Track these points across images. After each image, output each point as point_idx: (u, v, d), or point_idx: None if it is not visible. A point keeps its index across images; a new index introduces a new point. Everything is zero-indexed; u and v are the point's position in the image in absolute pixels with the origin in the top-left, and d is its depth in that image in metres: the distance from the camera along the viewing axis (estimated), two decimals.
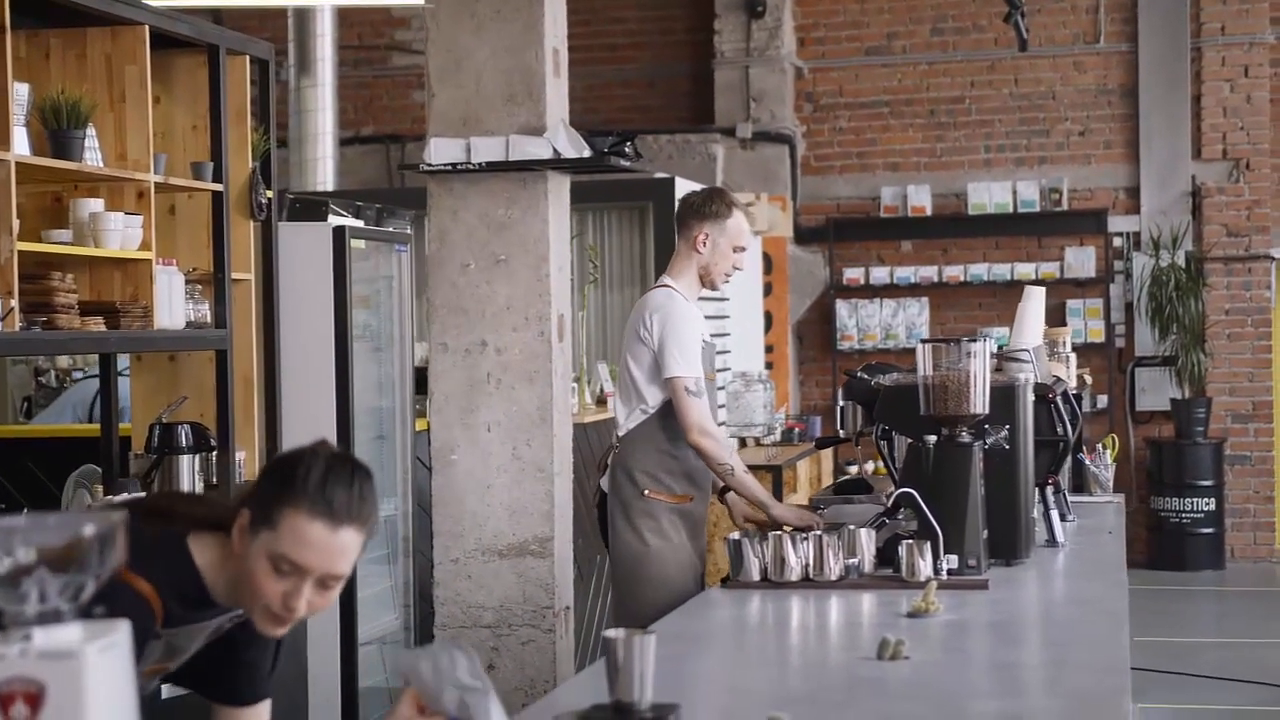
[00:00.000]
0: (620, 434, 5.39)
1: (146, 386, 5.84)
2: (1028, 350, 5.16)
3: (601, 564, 7.75)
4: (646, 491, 5.26)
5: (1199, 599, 11.67)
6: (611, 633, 2.75)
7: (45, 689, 1.71)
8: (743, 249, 5.40)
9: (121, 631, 1.78)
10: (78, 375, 8.58)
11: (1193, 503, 12.32)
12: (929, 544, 4.21)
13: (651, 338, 5.20)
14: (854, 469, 12.24)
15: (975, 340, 4.42)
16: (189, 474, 5.48)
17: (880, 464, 12.23)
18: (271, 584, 2.59)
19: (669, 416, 5.22)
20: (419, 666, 2.50)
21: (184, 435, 5.49)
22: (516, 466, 5.87)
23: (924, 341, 4.46)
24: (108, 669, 1.75)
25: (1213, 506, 12.34)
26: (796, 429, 11.22)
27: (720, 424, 9.90)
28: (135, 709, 1.81)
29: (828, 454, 11.48)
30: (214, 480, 5.67)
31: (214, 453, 5.64)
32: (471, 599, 5.72)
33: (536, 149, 5.81)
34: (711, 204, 5.38)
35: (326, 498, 2.57)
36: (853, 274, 13.02)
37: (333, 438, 6.35)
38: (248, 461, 5.93)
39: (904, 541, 4.24)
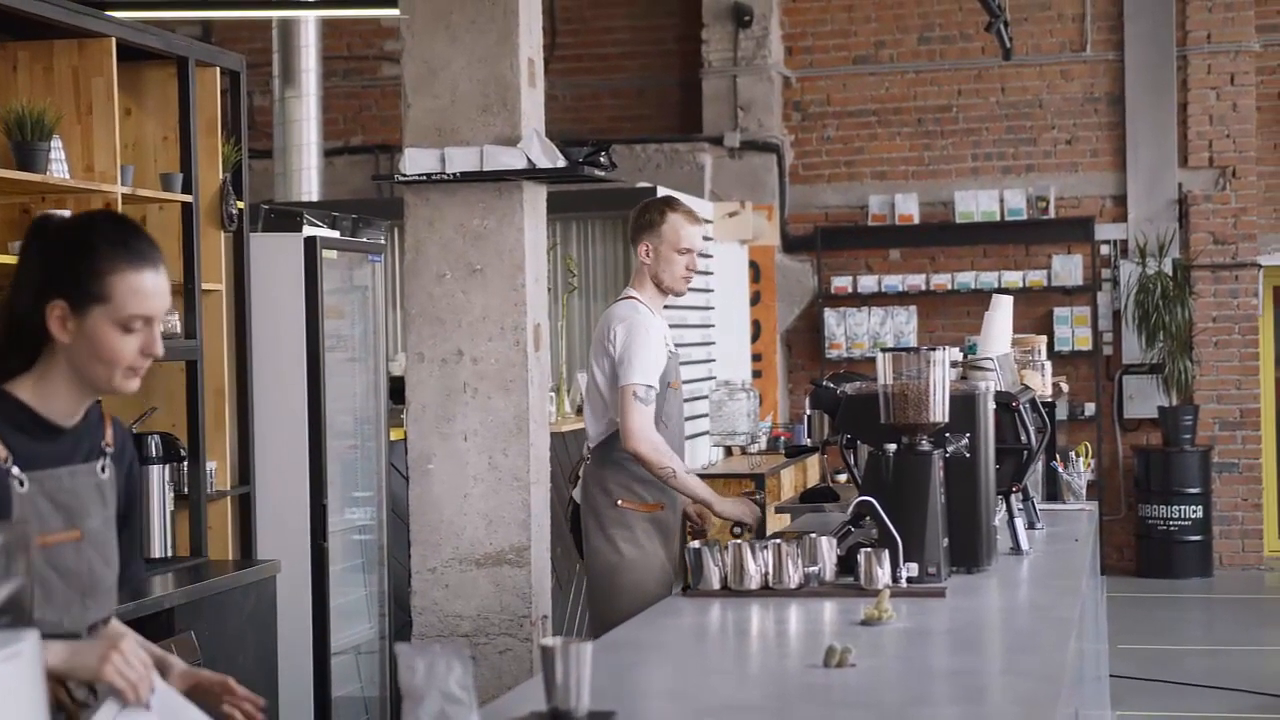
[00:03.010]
0: (591, 445, 5.43)
1: (116, 397, 5.84)
2: (991, 359, 5.17)
3: (580, 573, 7.77)
4: (620, 502, 5.30)
5: (1186, 606, 11.67)
6: (548, 641, 2.77)
7: None
8: (688, 250, 5.42)
9: (28, 641, 1.80)
10: None
11: (1180, 510, 12.32)
12: (887, 552, 4.22)
13: (615, 348, 5.29)
14: (843, 478, 12.23)
15: (935, 349, 4.43)
16: (159, 485, 5.49)
17: None
18: (126, 344, 2.72)
19: None
20: (415, 663, 2.54)
21: (154, 445, 5.50)
22: (493, 476, 5.88)
23: (884, 350, 4.47)
24: (14, 676, 1.76)
25: (1200, 514, 12.35)
26: (783, 437, 11.21)
27: (703, 433, 9.97)
28: (45, 716, 1.82)
29: (814, 462, 11.48)
30: (185, 490, 5.68)
31: (184, 463, 5.66)
32: (449, 608, 5.73)
33: (511, 159, 5.83)
34: (645, 214, 5.46)
35: (139, 252, 2.74)
36: (841, 282, 13.03)
37: (306, 447, 6.39)
38: (219, 472, 5.94)
39: (863, 550, 4.25)
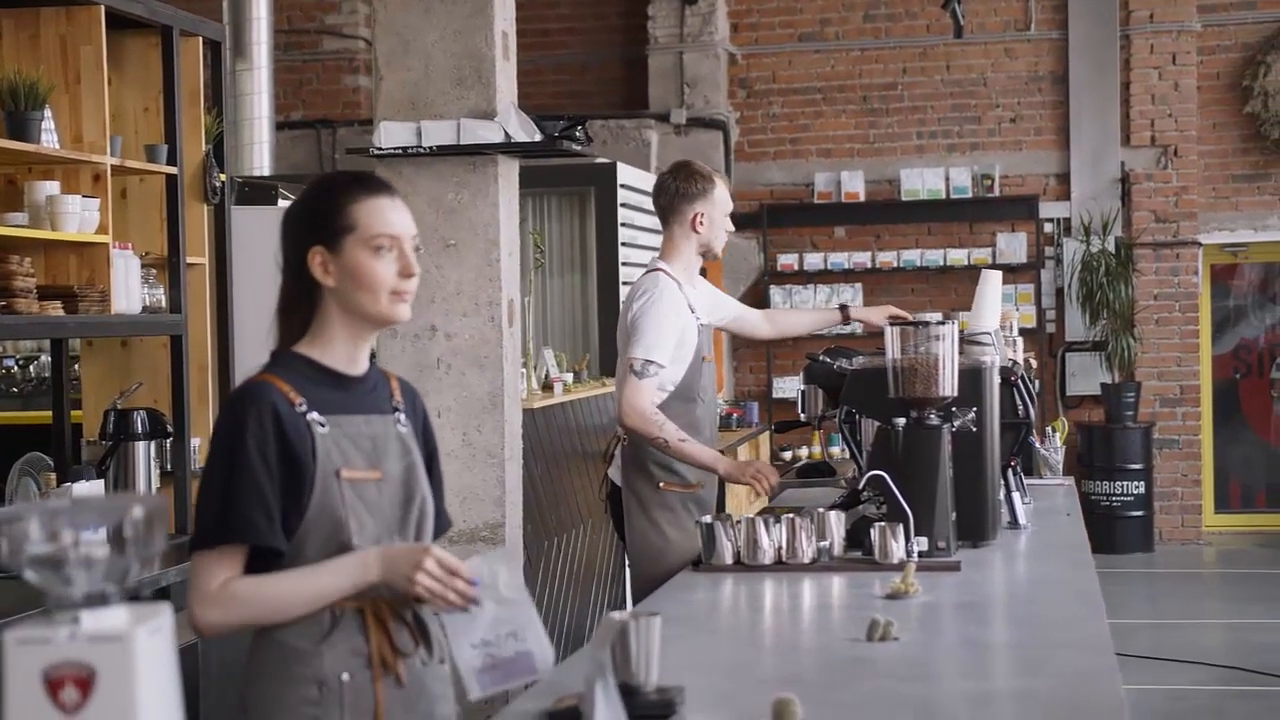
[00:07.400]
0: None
1: (98, 372, 5.76)
2: (989, 333, 5.19)
3: (549, 550, 7.74)
4: (662, 484, 5.18)
5: (1129, 581, 11.79)
6: (618, 615, 2.74)
7: (95, 672, 1.69)
8: (729, 212, 5.48)
9: (165, 615, 1.76)
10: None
11: (1122, 486, 12.46)
12: (901, 526, 4.22)
13: (629, 320, 5.17)
14: (803, 452, 12.29)
15: (944, 323, 4.43)
16: (144, 461, 5.41)
17: (819, 448, 12.28)
18: (381, 267, 2.88)
19: (678, 404, 5.16)
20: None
21: (139, 421, 5.42)
22: (467, 452, 5.85)
23: (893, 324, 4.47)
24: (156, 651, 1.73)
25: (1142, 490, 12.49)
26: (734, 415, 11.25)
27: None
28: (179, 691, 1.79)
29: (764, 439, 11.52)
30: (169, 467, 5.60)
31: (169, 439, 5.57)
32: None
33: (488, 133, 5.79)
34: (696, 183, 5.36)
35: (372, 185, 2.95)
36: (787, 260, 13.06)
37: None
38: (203, 448, 5.86)
39: (876, 524, 4.24)
